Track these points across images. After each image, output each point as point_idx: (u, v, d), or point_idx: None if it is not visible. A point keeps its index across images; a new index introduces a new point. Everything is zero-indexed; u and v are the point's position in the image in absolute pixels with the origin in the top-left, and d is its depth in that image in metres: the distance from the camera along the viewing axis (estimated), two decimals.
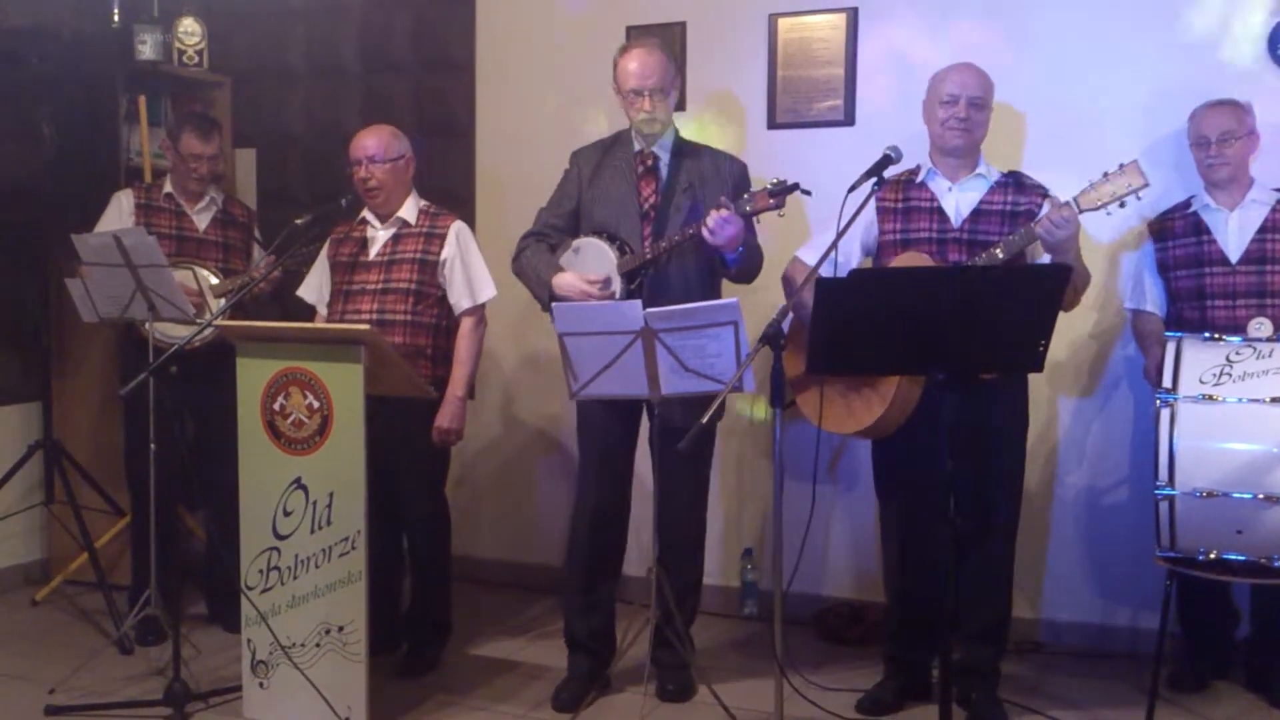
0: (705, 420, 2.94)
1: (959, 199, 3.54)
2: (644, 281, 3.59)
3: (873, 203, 3.50)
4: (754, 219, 3.60)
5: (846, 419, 3.45)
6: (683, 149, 3.73)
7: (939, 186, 3.57)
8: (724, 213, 3.42)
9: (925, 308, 2.86)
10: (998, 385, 3.44)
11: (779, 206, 3.46)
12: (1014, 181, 3.54)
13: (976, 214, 3.51)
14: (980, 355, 2.98)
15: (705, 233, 3.43)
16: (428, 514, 4.01)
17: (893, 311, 2.89)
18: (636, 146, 3.71)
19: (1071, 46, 4.14)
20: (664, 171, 3.69)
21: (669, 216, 3.61)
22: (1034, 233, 3.30)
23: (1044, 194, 3.49)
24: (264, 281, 4.10)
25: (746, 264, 3.63)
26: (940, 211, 3.54)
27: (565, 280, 3.61)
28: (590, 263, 3.65)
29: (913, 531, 3.62)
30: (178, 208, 4.35)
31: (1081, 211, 3.26)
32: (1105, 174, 3.24)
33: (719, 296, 3.70)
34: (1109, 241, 4.10)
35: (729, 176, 3.67)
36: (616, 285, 3.59)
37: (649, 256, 3.57)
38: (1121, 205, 3.26)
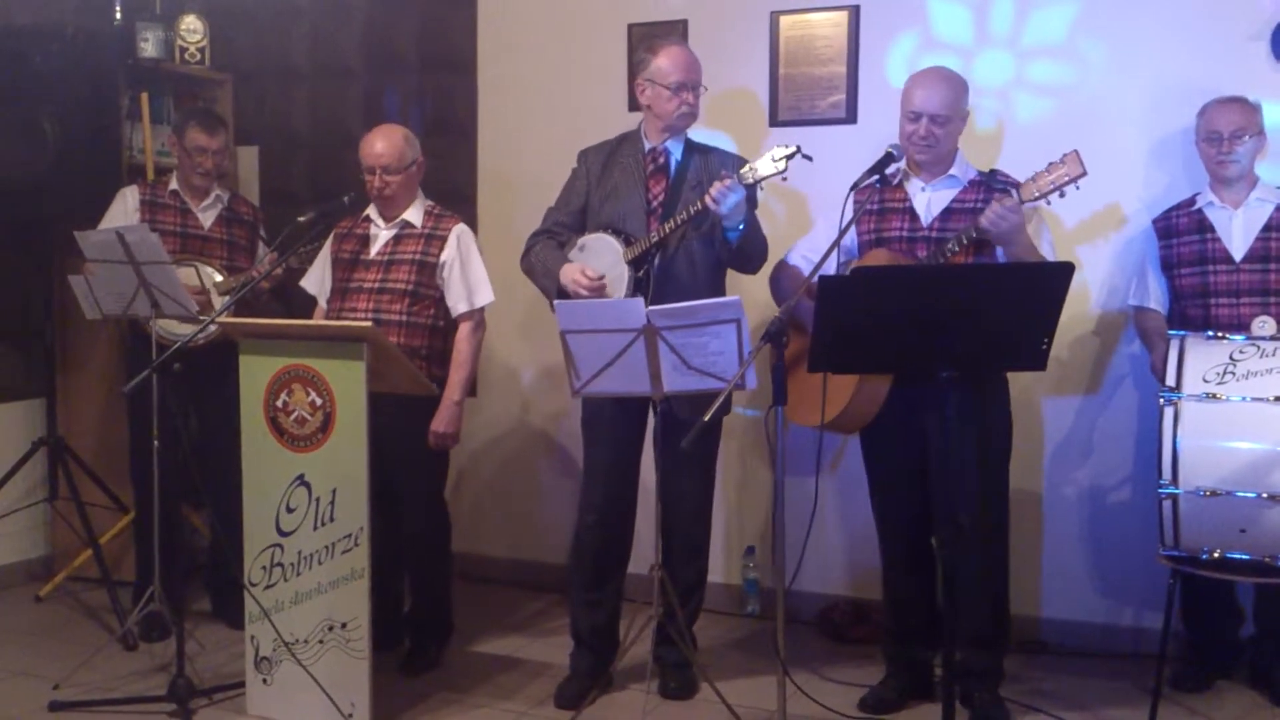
0: (708, 418, 2.94)
1: (931, 198, 3.55)
2: (650, 270, 3.59)
3: (851, 204, 3.50)
4: (756, 208, 3.62)
5: (812, 412, 3.47)
6: (693, 148, 3.75)
7: (913, 187, 3.58)
8: (727, 181, 3.44)
9: (927, 306, 2.86)
10: (982, 384, 3.44)
11: (781, 173, 3.47)
12: (986, 180, 3.53)
13: (947, 213, 3.51)
14: (983, 353, 2.98)
15: (709, 201, 3.44)
16: (426, 514, 4.00)
17: (894, 309, 2.89)
18: (648, 145, 3.72)
19: (1072, 46, 4.14)
20: (673, 169, 3.70)
21: (677, 214, 3.61)
22: (979, 225, 3.31)
23: (1007, 191, 3.46)
24: (266, 279, 4.10)
25: (749, 244, 3.62)
26: (912, 211, 3.55)
27: (565, 270, 3.65)
28: (595, 258, 3.66)
29: (900, 530, 3.64)
30: (183, 205, 4.36)
31: (1023, 202, 3.27)
32: (1049, 164, 3.26)
33: (724, 287, 3.72)
34: (1114, 238, 4.10)
35: None
36: (624, 274, 3.59)
37: (655, 239, 3.57)
38: (1061, 195, 3.27)
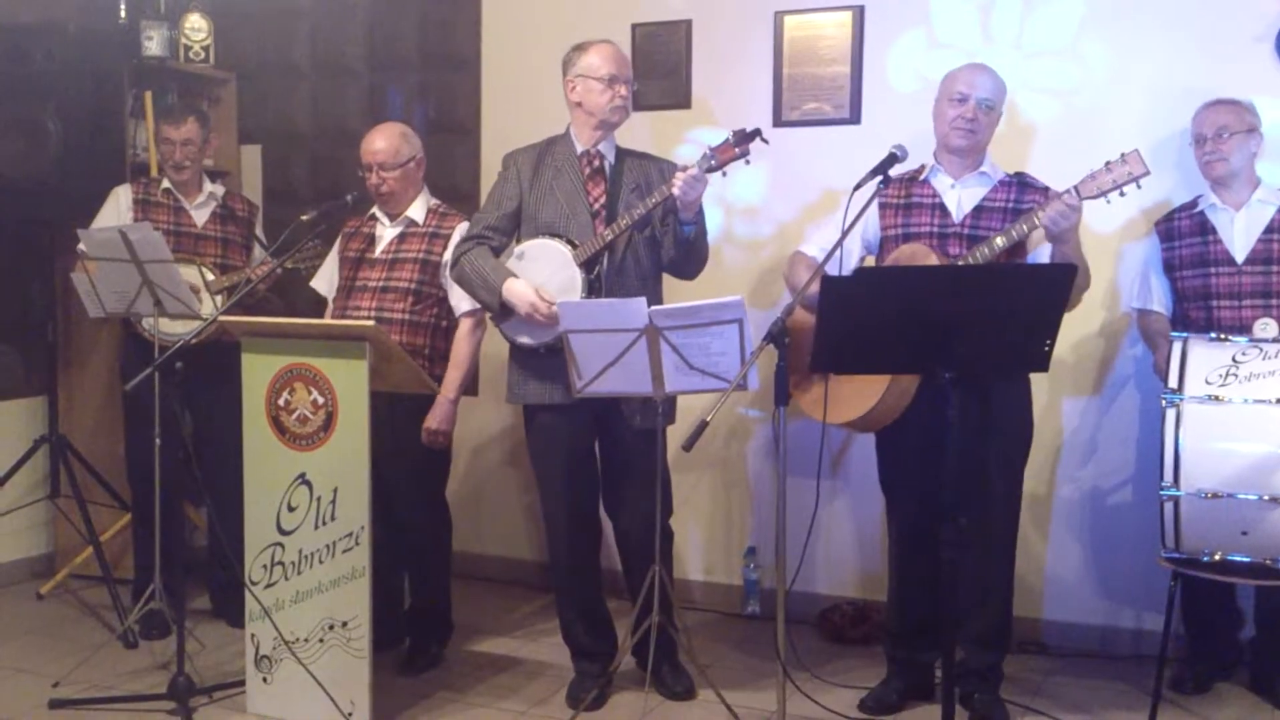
0: (710, 419, 2.94)
1: (961, 195, 3.53)
2: (601, 272, 3.54)
3: (873, 201, 3.50)
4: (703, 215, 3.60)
5: (839, 410, 3.46)
6: (624, 153, 3.71)
7: (941, 183, 3.56)
8: (691, 171, 3.40)
9: (930, 306, 2.85)
10: (1000, 385, 3.43)
11: (744, 155, 3.44)
12: (1018, 181, 3.54)
13: (979, 210, 3.50)
14: (985, 354, 2.97)
15: (675, 190, 3.40)
16: (425, 514, 4.00)
17: (897, 310, 2.88)
18: (580, 147, 3.66)
19: (1076, 47, 4.13)
20: (609, 173, 3.65)
21: (632, 210, 3.54)
22: (1036, 221, 3.29)
23: (1047, 193, 3.46)
24: (262, 282, 4.10)
25: (700, 240, 3.58)
26: (942, 207, 3.53)
27: (515, 290, 3.49)
28: (536, 265, 3.56)
29: (911, 530, 3.62)
30: (176, 203, 4.35)
31: (1082, 200, 3.25)
32: (1107, 163, 3.23)
33: (662, 291, 3.70)
34: (1116, 241, 4.10)
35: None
36: (576, 276, 3.50)
37: (609, 238, 3.51)
38: (1122, 194, 3.24)
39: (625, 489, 3.63)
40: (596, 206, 3.60)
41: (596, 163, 3.64)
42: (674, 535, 3.84)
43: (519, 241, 3.64)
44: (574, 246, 3.53)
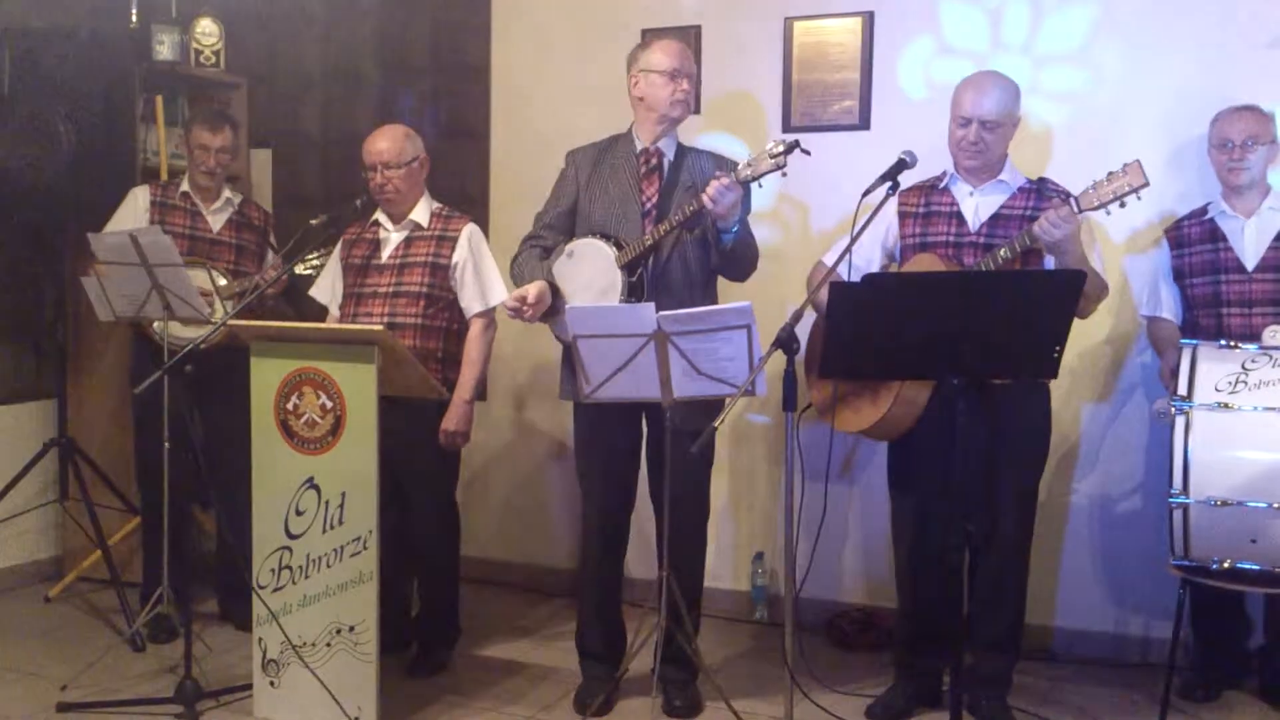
0: (719, 423, 2.93)
1: (979, 203, 3.52)
2: (644, 275, 3.53)
3: (895, 207, 3.50)
4: (749, 212, 3.58)
5: (853, 418, 3.45)
6: (684, 150, 3.70)
7: (960, 191, 3.55)
8: (723, 180, 3.37)
9: (938, 312, 2.85)
10: (1016, 392, 3.42)
11: (781, 168, 3.39)
12: (1037, 188, 3.51)
13: (995, 219, 3.49)
14: (994, 360, 2.96)
15: (706, 200, 3.37)
16: (435, 518, 4.00)
17: (906, 316, 2.89)
18: (640, 145, 3.67)
19: (1088, 53, 4.13)
20: (666, 171, 3.65)
21: (671, 216, 3.54)
22: (1032, 232, 3.28)
23: (1064, 199, 3.45)
24: (272, 286, 4.10)
25: (742, 248, 3.56)
26: (959, 216, 3.52)
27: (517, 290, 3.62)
28: (585, 264, 3.58)
29: (924, 536, 3.61)
30: (193, 207, 4.36)
31: (1081, 211, 3.23)
32: (1108, 174, 3.22)
33: (716, 292, 3.69)
34: (1126, 248, 4.09)
35: None
36: (617, 279, 3.52)
37: (649, 242, 3.51)
38: (1122, 205, 3.21)
39: (664, 490, 3.61)
40: (648, 206, 3.61)
41: (654, 160, 3.65)
42: (705, 544, 3.79)
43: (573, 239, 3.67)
44: (619, 248, 3.53)
